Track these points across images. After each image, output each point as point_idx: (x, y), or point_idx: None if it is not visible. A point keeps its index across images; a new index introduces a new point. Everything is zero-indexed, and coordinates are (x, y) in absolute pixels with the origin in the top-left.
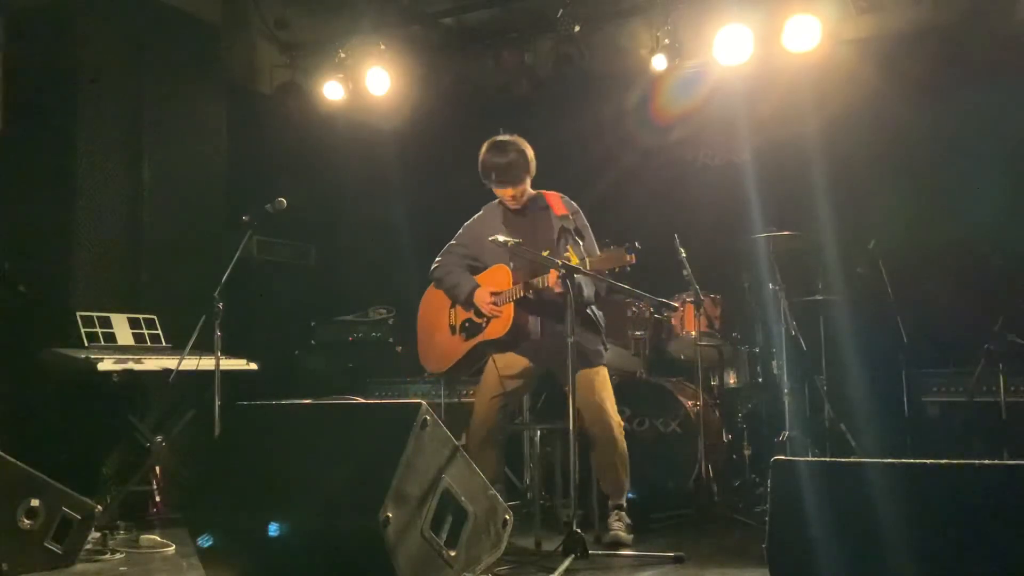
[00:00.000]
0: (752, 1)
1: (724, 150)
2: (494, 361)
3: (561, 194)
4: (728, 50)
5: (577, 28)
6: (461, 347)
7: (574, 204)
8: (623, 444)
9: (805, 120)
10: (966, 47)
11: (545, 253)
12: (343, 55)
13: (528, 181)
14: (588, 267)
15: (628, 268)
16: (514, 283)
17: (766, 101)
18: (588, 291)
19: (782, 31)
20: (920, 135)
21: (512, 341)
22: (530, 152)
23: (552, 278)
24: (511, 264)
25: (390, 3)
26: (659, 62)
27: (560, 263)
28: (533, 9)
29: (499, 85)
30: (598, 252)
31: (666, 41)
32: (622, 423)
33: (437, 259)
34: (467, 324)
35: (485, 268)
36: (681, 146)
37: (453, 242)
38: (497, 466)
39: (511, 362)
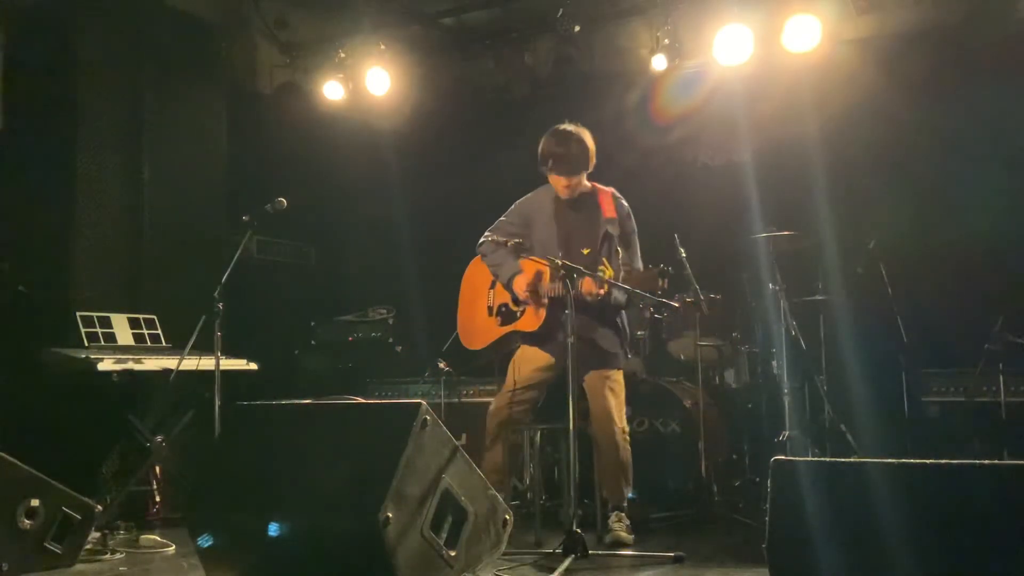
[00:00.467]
0: (752, 1)
1: (724, 150)
2: (518, 354)
3: (615, 193)
4: (728, 50)
5: (577, 28)
6: (494, 331)
7: (626, 206)
8: (626, 451)
9: (805, 120)
10: (966, 47)
11: (586, 251)
12: (343, 55)
13: (584, 175)
14: (619, 282)
15: (659, 293)
16: (551, 280)
17: (766, 101)
18: (619, 296)
19: (782, 31)
20: (920, 135)
21: (542, 336)
22: (591, 146)
23: (586, 284)
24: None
25: (390, 3)
26: (659, 62)
27: (560, 263)
28: (533, 9)
29: (499, 85)
30: (639, 264)
31: (666, 41)
32: (627, 430)
33: (486, 233)
34: (503, 309)
35: (531, 249)
36: (681, 146)
37: (503, 218)
38: (501, 460)
39: (533, 356)
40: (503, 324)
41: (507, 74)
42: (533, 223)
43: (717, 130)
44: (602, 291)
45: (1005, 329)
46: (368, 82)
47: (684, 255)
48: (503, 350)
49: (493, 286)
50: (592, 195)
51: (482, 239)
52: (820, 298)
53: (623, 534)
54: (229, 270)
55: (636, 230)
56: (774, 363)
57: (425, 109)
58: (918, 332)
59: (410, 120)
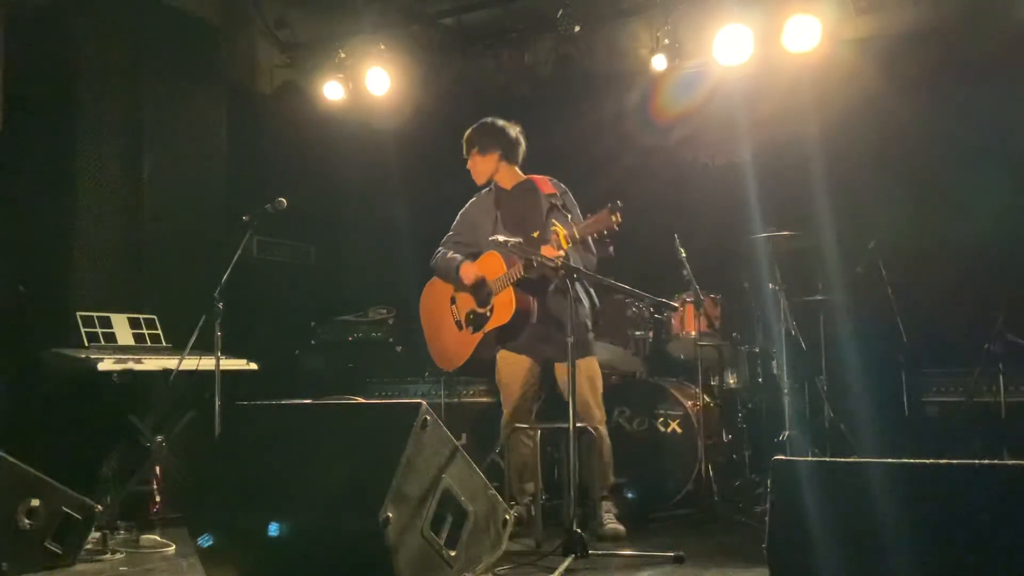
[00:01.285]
0: (752, 1)
1: (724, 150)
2: (500, 368)
3: (549, 177)
4: (728, 50)
5: (577, 28)
6: (472, 339)
7: (562, 185)
8: (606, 436)
9: (805, 120)
10: (966, 47)
11: (535, 234)
12: (343, 55)
13: (479, 156)
14: (576, 233)
15: (616, 228)
16: (508, 267)
17: (766, 101)
18: (580, 259)
19: (782, 31)
20: (920, 135)
21: (517, 324)
22: (495, 129)
23: (547, 252)
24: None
25: (390, 3)
26: (659, 62)
27: (560, 263)
28: (533, 9)
29: (499, 85)
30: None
31: (666, 41)
32: (604, 417)
33: (438, 249)
34: (471, 316)
35: (481, 254)
36: (681, 146)
37: (450, 232)
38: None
39: (513, 362)
40: (476, 330)
41: (507, 74)
42: (479, 225)
43: (717, 130)
44: (561, 252)
45: (1005, 329)
46: (368, 82)
47: (684, 255)
48: (487, 356)
49: (454, 301)
50: (528, 182)
51: (434, 255)
52: (820, 298)
53: (617, 525)
54: (229, 270)
55: (576, 205)
56: (774, 363)
57: (425, 109)
58: (918, 332)
59: (410, 120)
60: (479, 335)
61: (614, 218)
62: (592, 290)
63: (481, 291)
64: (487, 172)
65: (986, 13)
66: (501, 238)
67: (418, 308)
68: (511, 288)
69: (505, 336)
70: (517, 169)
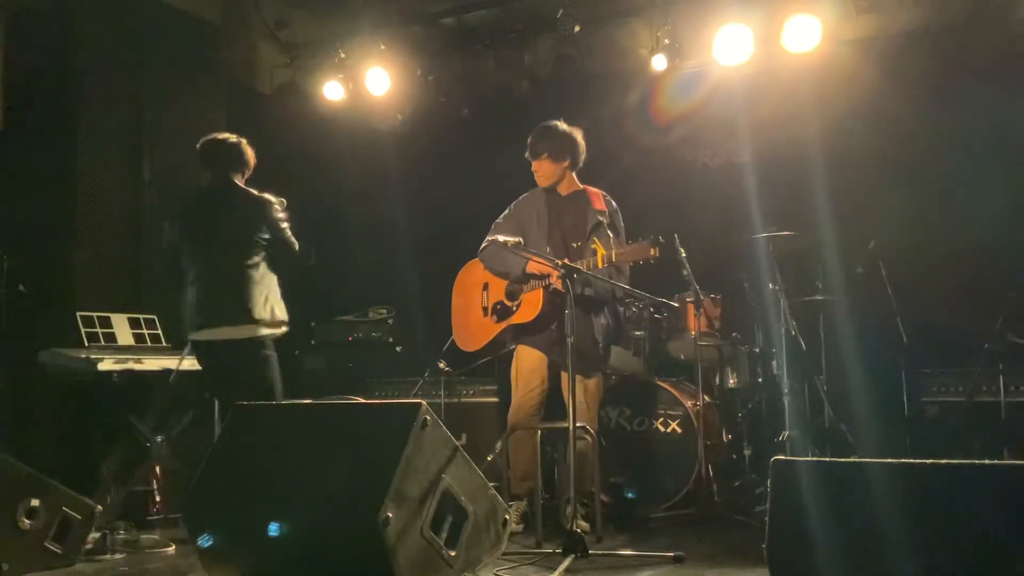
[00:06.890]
0: (752, 1)
1: (724, 150)
2: (517, 359)
3: (605, 194)
4: (728, 50)
5: (577, 28)
6: (492, 328)
7: (614, 204)
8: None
9: (805, 120)
10: (966, 47)
11: (576, 244)
12: (343, 55)
13: (551, 163)
14: (614, 258)
15: (652, 261)
16: (548, 271)
17: (766, 101)
18: (600, 288)
19: (782, 31)
20: (920, 135)
21: (538, 326)
22: (574, 140)
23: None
24: (549, 251)
25: (390, 3)
26: (659, 62)
27: (560, 263)
28: (533, 9)
29: (499, 85)
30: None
31: (666, 41)
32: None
33: (486, 239)
34: (498, 306)
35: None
36: (681, 146)
37: (499, 220)
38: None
39: (528, 356)
40: (500, 320)
41: (507, 74)
42: (526, 222)
43: (717, 130)
44: (554, 273)
45: (1005, 329)
46: (368, 82)
47: (684, 255)
48: (501, 348)
49: (486, 288)
50: (582, 193)
51: (483, 244)
52: (820, 298)
53: (585, 523)
54: None
55: (623, 228)
56: (774, 363)
57: (425, 109)
58: (918, 332)
59: (410, 120)
60: (501, 325)
61: (652, 251)
62: (619, 310)
63: (515, 286)
64: (554, 177)
65: (987, 13)
66: (501, 238)
67: (418, 307)
68: (541, 291)
69: (523, 332)
70: (575, 176)
